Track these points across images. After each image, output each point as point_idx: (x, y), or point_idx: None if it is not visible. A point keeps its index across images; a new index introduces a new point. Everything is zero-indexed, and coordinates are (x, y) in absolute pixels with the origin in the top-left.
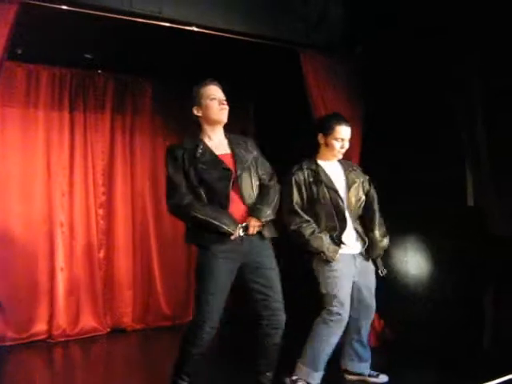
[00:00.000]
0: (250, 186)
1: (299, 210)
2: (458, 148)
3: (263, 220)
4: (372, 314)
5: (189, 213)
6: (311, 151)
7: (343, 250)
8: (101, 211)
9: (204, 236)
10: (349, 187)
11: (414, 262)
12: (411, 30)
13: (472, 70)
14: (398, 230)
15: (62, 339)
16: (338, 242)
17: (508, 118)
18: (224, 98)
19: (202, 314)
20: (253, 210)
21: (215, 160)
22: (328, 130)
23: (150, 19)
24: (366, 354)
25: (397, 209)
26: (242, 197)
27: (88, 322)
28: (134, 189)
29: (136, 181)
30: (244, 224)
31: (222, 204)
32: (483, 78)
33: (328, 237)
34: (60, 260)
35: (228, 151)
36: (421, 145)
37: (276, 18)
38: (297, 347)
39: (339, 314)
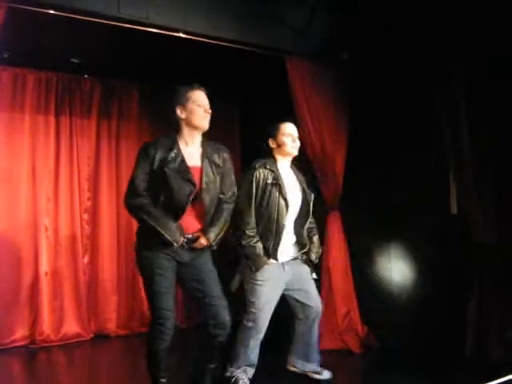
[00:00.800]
0: (210, 202)
1: (252, 211)
2: (442, 157)
3: (213, 243)
4: (318, 315)
5: (139, 214)
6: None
7: (273, 261)
8: (86, 216)
9: (152, 237)
10: (304, 194)
11: (397, 269)
12: (397, 37)
13: (457, 76)
14: (381, 238)
15: (46, 345)
16: (271, 253)
17: (492, 127)
18: (209, 106)
19: (158, 310)
20: (205, 231)
21: (184, 170)
22: (274, 131)
23: (137, 25)
24: (315, 355)
25: (381, 216)
26: (199, 212)
27: (72, 327)
28: (120, 194)
29: (121, 186)
30: (191, 236)
31: (177, 215)
32: (467, 83)
33: (261, 247)
34: (44, 265)
35: (198, 164)
36: (405, 152)
37: (263, 25)
38: None
39: (254, 321)
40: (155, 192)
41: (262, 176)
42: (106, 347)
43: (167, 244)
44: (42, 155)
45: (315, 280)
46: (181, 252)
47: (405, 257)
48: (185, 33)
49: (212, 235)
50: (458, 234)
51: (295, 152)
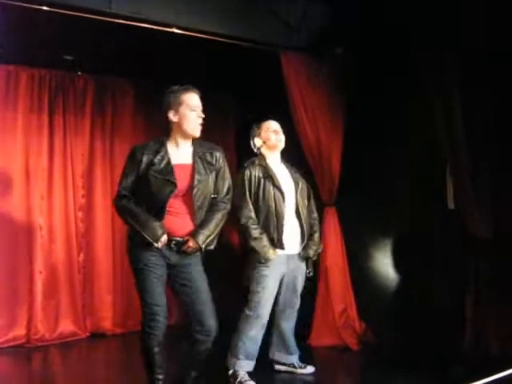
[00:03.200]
0: (202, 201)
1: (250, 205)
2: (438, 152)
3: (202, 246)
4: (295, 311)
5: (122, 215)
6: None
7: (280, 251)
8: (80, 214)
9: (140, 236)
10: (296, 188)
11: (394, 265)
12: (390, 30)
13: (451, 69)
14: (378, 234)
15: (41, 344)
16: (277, 243)
17: (488, 122)
18: (202, 109)
19: (149, 306)
20: (196, 233)
21: (167, 170)
22: (258, 129)
23: (129, 20)
24: (293, 348)
25: (378, 212)
26: (191, 211)
27: (67, 326)
28: (114, 192)
29: (116, 184)
30: (181, 239)
31: (157, 215)
32: (461, 76)
33: (266, 239)
34: (39, 263)
35: (189, 161)
36: (402, 147)
37: (257, 20)
38: None
39: (257, 311)
40: (139, 195)
41: (252, 173)
42: (103, 346)
43: (148, 243)
44: (36, 153)
45: (309, 279)
46: (167, 253)
47: (402, 252)
48: (178, 28)
49: (201, 238)
50: (454, 228)
51: (281, 145)
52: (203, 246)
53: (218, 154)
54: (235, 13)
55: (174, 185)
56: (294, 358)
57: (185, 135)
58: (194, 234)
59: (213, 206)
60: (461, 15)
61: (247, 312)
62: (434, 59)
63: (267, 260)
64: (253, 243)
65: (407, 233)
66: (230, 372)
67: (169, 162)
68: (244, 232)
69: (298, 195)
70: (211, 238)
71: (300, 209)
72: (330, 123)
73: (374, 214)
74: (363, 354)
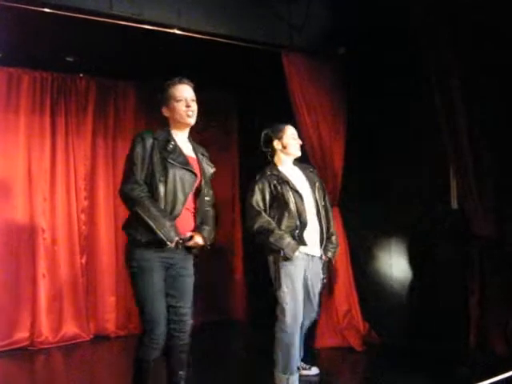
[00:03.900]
0: (202, 202)
1: (262, 212)
2: (442, 152)
3: (208, 243)
4: (314, 316)
5: (134, 207)
6: None
7: (303, 248)
8: (83, 216)
9: (145, 234)
10: (313, 189)
11: (399, 265)
12: (393, 30)
13: (454, 68)
14: (382, 234)
15: (45, 346)
16: (298, 240)
17: (491, 122)
18: (193, 98)
19: (150, 317)
20: (203, 229)
21: (184, 160)
22: (279, 133)
23: (130, 22)
24: (301, 351)
25: (381, 212)
26: (196, 207)
27: (71, 328)
28: (117, 193)
29: (118, 185)
30: (188, 235)
31: (175, 208)
32: (464, 74)
33: (289, 235)
34: (42, 266)
35: (194, 155)
36: (405, 148)
37: (258, 20)
38: None
39: (293, 313)
40: (155, 184)
41: (266, 184)
42: (106, 348)
43: (161, 243)
44: (38, 155)
45: (322, 280)
46: (173, 253)
47: (406, 252)
48: (179, 29)
49: (207, 234)
50: (458, 227)
51: (299, 153)
52: (209, 242)
53: (210, 158)
54: (237, 13)
55: (195, 175)
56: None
57: (178, 127)
58: (199, 230)
59: (205, 208)
60: (461, 14)
61: (283, 318)
62: (437, 59)
63: (291, 256)
64: (273, 240)
65: (411, 233)
66: None
67: (182, 152)
68: (263, 233)
69: (316, 195)
70: (213, 234)
71: (320, 209)
72: (332, 123)
73: (377, 214)
74: (367, 355)
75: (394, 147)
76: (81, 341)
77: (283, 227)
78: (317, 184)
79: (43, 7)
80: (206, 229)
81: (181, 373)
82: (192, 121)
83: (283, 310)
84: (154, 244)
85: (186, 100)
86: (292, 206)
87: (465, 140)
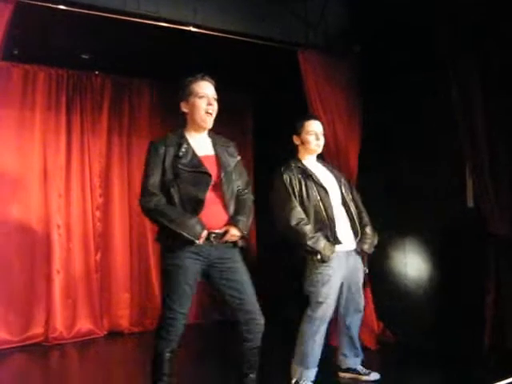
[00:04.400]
0: (231, 192)
1: (299, 207)
2: (458, 150)
3: (245, 232)
4: (361, 311)
5: (154, 216)
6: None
7: (338, 247)
8: (98, 213)
9: (172, 238)
10: (339, 183)
11: (413, 264)
12: (409, 28)
13: (470, 66)
14: (396, 232)
15: (59, 342)
16: (333, 240)
17: (508, 121)
18: (214, 97)
19: (172, 311)
20: (236, 221)
21: (196, 162)
22: (299, 128)
23: (146, 19)
24: (357, 350)
25: (396, 211)
26: (223, 202)
27: (85, 324)
28: (131, 191)
29: (133, 182)
30: (221, 231)
31: (195, 209)
32: (483, 73)
33: (323, 236)
34: (57, 262)
35: (211, 152)
36: (420, 146)
37: (274, 18)
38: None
39: (323, 312)
40: (170, 191)
41: (291, 176)
42: (120, 344)
43: (188, 242)
44: (53, 152)
45: (365, 274)
46: (207, 250)
47: (420, 251)
48: (195, 26)
49: (241, 224)
50: (474, 226)
51: (319, 150)
52: (245, 232)
53: (233, 147)
54: (253, 11)
55: (209, 176)
56: (359, 361)
57: (197, 125)
58: (233, 222)
59: (240, 196)
60: (480, 12)
61: (312, 314)
62: (455, 57)
63: (328, 258)
64: (310, 243)
65: (426, 231)
66: (294, 381)
67: (195, 154)
68: (297, 234)
69: (343, 189)
70: (249, 224)
71: (348, 203)
72: (347, 121)
73: (392, 212)
74: (381, 354)
75: (410, 146)
76: (95, 337)
77: (312, 223)
78: (342, 179)
79: (58, 4)
80: (241, 220)
81: (251, 376)
82: (210, 123)
83: (314, 306)
84: (185, 245)
85: (207, 97)
86: (318, 202)
87: (482, 139)
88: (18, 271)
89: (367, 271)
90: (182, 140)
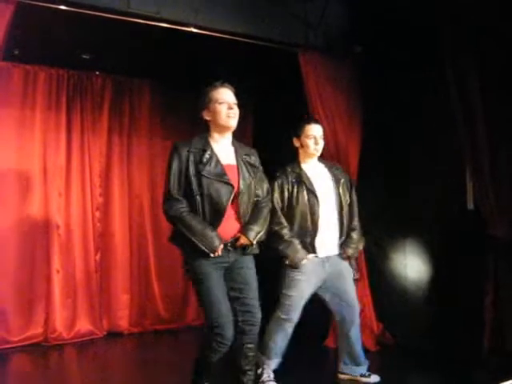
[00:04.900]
0: (247, 203)
1: (279, 212)
2: (458, 152)
3: (254, 241)
4: (357, 316)
5: (175, 223)
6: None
7: (311, 255)
8: (98, 213)
9: (190, 247)
10: (337, 185)
11: (412, 265)
12: (410, 29)
13: (469, 65)
14: (396, 234)
15: (58, 343)
16: (310, 248)
17: (508, 123)
18: (234, 102)
19: (215, 320)
20: (246, 230)
21: (220, 171)
22: (299, 131)
23: (147, 20)
24: (360, 357)
25: (396, 212)
26: (238, 213)
27: (84, 325)
28: (132, 191)
29: (133, 182)
30: (232, 239)
31: (216, 218)
32: (483, 74)
33: (298, 242)
34: (56, 262)
35: (234, 162)
36: (421, 148)
37: (275, 19)
38: None
39: (289, 314)
40: (192, 197)
41: (284, 182)
42: (119, 345)
43: (205, 254)
44: (54, 152)
45: (354, 280)
46: (224, 256)
47: (420, 253)
48: (196, 27)
49: (252, 234)
50: (474, 229)
51: (317, 153)
52: (254, 241)
53: (256, 156)
54: (253, 12)
55: (232, 186)
56: (362, 369)
57: (220, 130)
58: (244, 231)
59: (257, 206)
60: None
61: (279, 314)
62: (455, 59)
63: (298, 265)
64: (283, 247)
65: (426, 233)
66: (259, 370)
67: (219, 162)
68: (274, 237)
69: (340, 191)
70: (261, 234)
71: (344, 207)
72: (347, 121)
73: (392, 214)
74: (381, 356)
75: (410, 148)
76: (94, 337)
77: (295, 228)
78: (342, 180)
79: (59, 4)
80: (252, 228)
81: (249, 373)
82: (234, 124)
83: (282, 308)
84: (203, 253)
85: (228, 103)
86: (305, 208)
87: (482, 141)
88: (17, 271)
89: (357, 277)
90: (206, 146)
